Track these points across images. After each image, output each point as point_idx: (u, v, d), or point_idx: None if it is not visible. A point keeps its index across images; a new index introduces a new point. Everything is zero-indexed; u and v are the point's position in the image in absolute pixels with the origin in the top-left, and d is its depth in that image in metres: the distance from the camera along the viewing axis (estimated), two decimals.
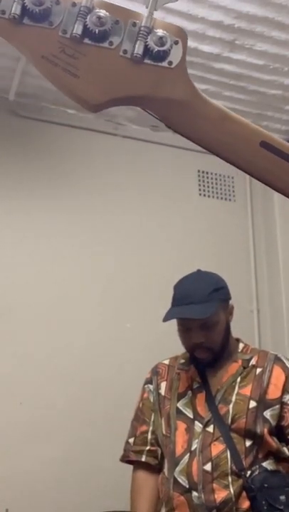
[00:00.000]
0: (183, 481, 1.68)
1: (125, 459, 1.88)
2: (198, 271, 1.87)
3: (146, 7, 0.63)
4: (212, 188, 3.05)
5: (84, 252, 2.64)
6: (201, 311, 1.71)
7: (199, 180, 3.02)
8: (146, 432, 1.85)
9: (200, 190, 3.02)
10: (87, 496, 2.36)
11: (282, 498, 1.61)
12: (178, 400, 1.81)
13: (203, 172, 3.02)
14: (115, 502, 2.31)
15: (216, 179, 3.05)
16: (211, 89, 2.63)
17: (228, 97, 2.70)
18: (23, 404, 2.36)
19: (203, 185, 3.03)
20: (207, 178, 3.03)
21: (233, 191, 3.09)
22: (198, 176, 3.02)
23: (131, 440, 1.88)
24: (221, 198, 3.07)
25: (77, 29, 0.61)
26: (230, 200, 3.09)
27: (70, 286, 2.58)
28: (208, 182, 3.04)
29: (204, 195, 3.03)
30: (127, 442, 1.89)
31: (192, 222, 2.94)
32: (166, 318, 1.75)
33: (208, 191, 3.04)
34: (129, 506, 1.86)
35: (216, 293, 1.76)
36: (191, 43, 2.32)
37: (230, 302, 1.85)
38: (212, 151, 0.67)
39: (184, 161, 2.83)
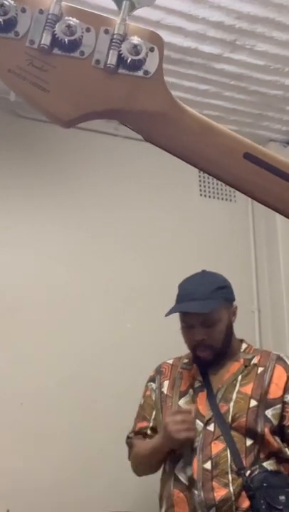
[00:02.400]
0: (183, 478, 1.69)
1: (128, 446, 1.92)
2: (204, 271, 1.89)
3: (119, 13, 0.58)
4: (213, 188, 3.05)
5: (84, 252, 2.64)
6: (203, 306, 1.73)
7: (200, 181, 3.02)
8: (146, 427, 1.88)
9: (201, 190, 3.02)
10: (88, 496, 2.37)
11: (282, 498, 1.60)
12: (179, 398, 1.82)
13: (203, 172, 3.01)
14: (115, 502, 2.32)
15: (217, 180, 3.04)
16: (212, 90, 2.63)
17: (228, 98, 2.70)
18: (24, 404, 2.36)
19: (204, 186, 3.03)
20: (208, 178, 3.03)
21: (234, 192, 3.07)
22: (199, 176, 3.02)
23: (131, 435, 1.91)
24: (222, 199, 3.07)
25: (46, 39, 0.57)
26: (230, 200, 3.08)
27: (71, 286, 2.58)
28: (208, 183, 3.04)
29: (205, 195, 3.03)
30: (128, 437, 1.92)
31: (193, 223, 2.94)
32: (168, 313, 1.78)
33: (209, 192, 3.04)
34: (139, 469, 1.89)
35: (219, 291, 1.79)
36: (191, 43, 2.32)
37: (234, 303, 1.87)
38: (194, 164, 0.63)
39: (184, 162, 2.82)
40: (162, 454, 1.78)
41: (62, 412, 2.41)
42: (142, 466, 1.87)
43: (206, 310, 1.73)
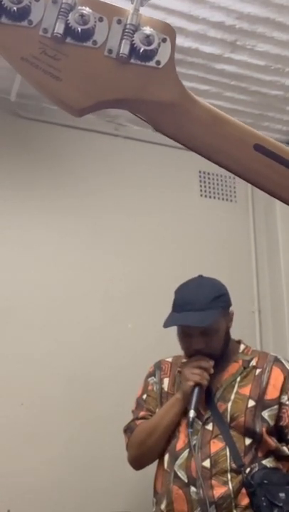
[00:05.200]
0: (182, 475, 1.70)
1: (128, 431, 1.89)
2: (200, 276, 1.88)
3: (132, 3, 0.59)
4: (213, 188, 3.05)
5: (85, 252, 2.64)
6: (201, 319, 1.73)
7: (200, 181, 3.02)
8: (150, 416, 1.86)
9: (201, 191, 3.02)
10: (88, 495, 2.37)
11: (282, 495, 1.61)
12: None
13: (204, 173, 3.02)
14: (115, 502, 2.32)
15: (217, 180, 3.05)
16: (212, 90, 2.63)
17: (229, 98, 2.70)
18: (24, 404, 2.36)
19: (205, 186, 3.03)
20: (208, 178, 3.03)
21: (234, 192, 3.08)
22: (200, 176, 3.02)
23: (132, 423, 1.88)
24: (222, 199, 3.07)
25: (59, 28, 0.57)
26: (231, 200, 3.09)
27: (71, 286, 2.58)
28: (209, 183, 3.04)
29: (205, 195, 3.03)
30: (128, 424, 1.89)
31: (193, 223, 2.94)
32: (166, 325, 1.77)
33: (210, 192, 3.04)
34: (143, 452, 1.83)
35: (216, 300, 1.78)
36: (192, 44, 2.33)
37: (231, 309, 1.87)
38: (203, 154, 0.63)
39: (185, 162, 2.82)
40: (176, 412, 1.77)
41: (62, 412, 2.41)
42: (149, 439, 1.79)
43: (204, 324, 1.73)
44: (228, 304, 1.85)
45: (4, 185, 2.56)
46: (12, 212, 2.55)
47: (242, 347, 1.89)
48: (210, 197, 3.04)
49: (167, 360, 1.96)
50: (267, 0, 2.12)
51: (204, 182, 3.03)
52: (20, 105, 2.61)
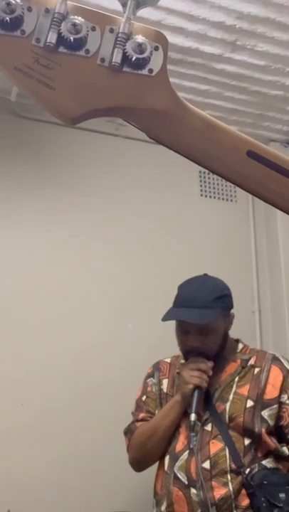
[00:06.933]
0: (182, 477, 1.70)
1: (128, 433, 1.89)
2: (205, 275, 1.88)
3: (124, 12, 0.59)
4: (213, 188, 3.05)
5: (85, 252, 2.64)
6: (201, 316, 1.72)
7: (200, 181, 3.02)
8: (150, 418, 1.86)
9: (201, 190, 3.02)
10: (89, 496, 2.37)
11: (282, 495, 1.61)
12: None
13: (204, 173, 3.02)
14: (115, 503, 2.32)
15: (217, 180, 3.05)
16: (213, 90, 2.63)
17: (229, 98, 2.70)
18: (25, 405, 2.36)
19: (205, 186, 3.03)
20: (208, 178, 3.03)
21: (235, 192, 3.08)
22: (200, 176, 3.02)
23: (132, 424, 1.88)
24: (223, 199, 3.07)
25: (51, 37, 0.58)
26: (231, 200, 3.09)
27: (72, 286, 2.58)
28: (209, 183, 3.04)
29: (206, 195, 3.03)
30: (128, 426, 1.89)
31: (193, 223, 2.94)
32: (165, 318, 1.77)
33: (210, 192, 3.04)
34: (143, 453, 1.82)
35: (218, 300, 1.78)
36: (192, 44, 2.32)
37: (232, 311, 1.86)
38: (197, 161, 0.64)
39: (185, 162, 2.79)
40: (176, 414, 1.76)
41: (62, 412, 2.41)
42: (149, 441, 1.79)
43: (203, 321, 1.73)
44: (230, 305, 1.84)
45: (4, 185, 2.56)
46: (12, 212, 2.55)
47: (240, 346, 1.88)
48: (210, 197, 3.04)
49: (166, 360, 1.96)
50: (267, 0, 2.12)
51: (204, 182, 3.03)
52: (20, 105, 2.61)
